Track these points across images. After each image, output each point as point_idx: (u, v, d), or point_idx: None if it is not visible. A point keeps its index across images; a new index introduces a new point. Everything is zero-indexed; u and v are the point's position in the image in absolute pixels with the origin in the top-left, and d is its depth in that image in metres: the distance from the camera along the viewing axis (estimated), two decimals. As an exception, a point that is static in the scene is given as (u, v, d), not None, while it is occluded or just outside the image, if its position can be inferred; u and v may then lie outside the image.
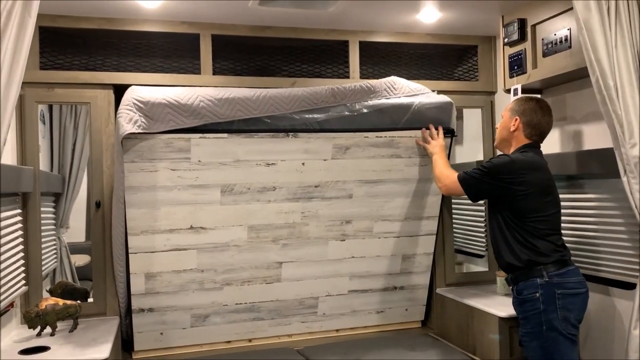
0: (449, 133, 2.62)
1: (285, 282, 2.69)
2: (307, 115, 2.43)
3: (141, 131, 2.22)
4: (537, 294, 2.09)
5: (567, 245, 2.22)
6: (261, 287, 2.66)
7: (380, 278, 2.84)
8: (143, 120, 2.22)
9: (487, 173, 2.15)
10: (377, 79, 2.72)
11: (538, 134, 2.21)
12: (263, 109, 2.35)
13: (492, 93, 3.12)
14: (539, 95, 2.62)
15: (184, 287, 2.55)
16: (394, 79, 2.60)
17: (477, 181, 2.20)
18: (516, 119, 2.20)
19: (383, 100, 2.52)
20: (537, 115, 2.20)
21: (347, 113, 2.45)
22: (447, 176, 2.35)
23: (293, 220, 2.59)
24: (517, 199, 2.11)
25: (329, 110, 2.44)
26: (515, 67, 2.57)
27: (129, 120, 2.21)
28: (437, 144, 2.53)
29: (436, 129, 2.57)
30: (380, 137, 2.54)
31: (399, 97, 2.54)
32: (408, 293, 2.93)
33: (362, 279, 2.82)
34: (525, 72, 2.52)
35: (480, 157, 3.10)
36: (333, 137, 2.48)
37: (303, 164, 2.49)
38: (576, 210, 2.52)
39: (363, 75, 2.90)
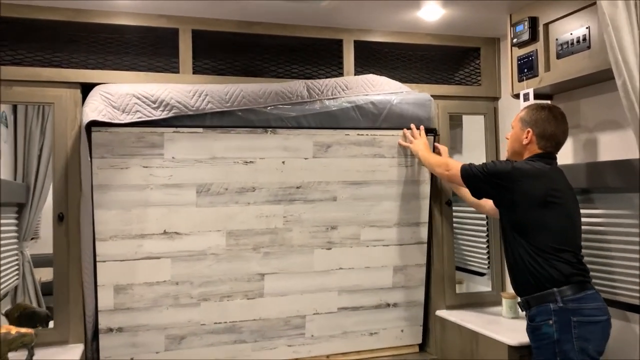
0: (431, 132, 2.59)
1: (268, 297, 2.50)
2: (282, 111, 2.40)
3: (107, 120, 2.14)
4: (551, 321, 1.89)
5: (581, 266, 2.00)
6: (242, 304, 2.47)
7: (371, 293, 2.67)
8: (109, 110, 2.16)
9: (486, 173, 2.05)
10: None
11: (553, 145, 2.06)
12: (235, 101, 2.30)
13: (496, 99, 2.95)
14: (550, 102, 2.41)
15: (157, 302, 2.36)
16: (372, 77, 2.57)
17: (476, 178, 2.09)
18: (528, 131, 2.06)
19: (360, 97, 2.50)
20: (551, 125, 2.04)
21: (322, 109, 2.44)
22: (447, 163, 2.29)
23: (275, 225, 2.45)
24: (514, 208, 1.99)
25: (304, 105, 2.42)
26: (525, 70, 2.39)
27: (93, 109, 2.13)
28: (420, 141, 2.51)
29: (417, 128, 2.55)
30: (362, 134, 2.51)
31: (378, 94, 2.53)
32: (403, 311, 2.74)
33: (352, 295, 2.64)
34: (537, 75, 2.34)
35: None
36: (313, 134, 2.43)
37: (283, 162, 2.41)
38: (590, 227, 2.30)
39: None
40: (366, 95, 2.53)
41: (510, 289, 2.69)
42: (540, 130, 2.05)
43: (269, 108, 2.38)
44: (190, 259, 2.36)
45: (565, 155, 2.38)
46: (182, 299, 2.38)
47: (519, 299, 2.11)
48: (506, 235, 2.07)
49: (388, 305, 2.71)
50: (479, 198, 2.21)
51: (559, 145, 2.08)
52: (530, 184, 1.96)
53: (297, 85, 2.44)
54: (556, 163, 2.09)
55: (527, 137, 2.07)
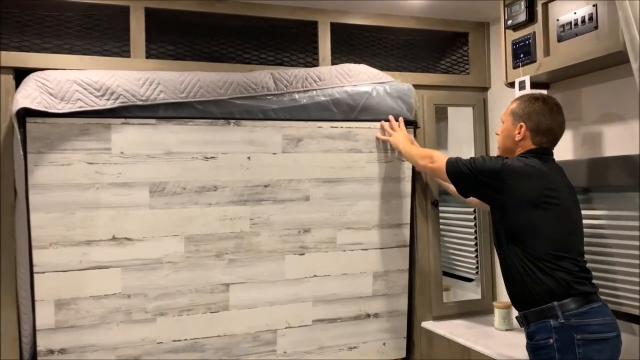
0: (410, 125, 2.48)
1: (234, 310, 2.28)
2: (248, 102, 2.21)
3: (41, 109, 1.91)
4: (551, 340, 1.67)
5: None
6: (205, 318, 2.24)
7: (349, 303, 2.47)
8: (45, 97, 1.93)
9: (473, 170, 1.87)
10: None
11: (550, 140, 1.86)
12: (191, 92, 2.12)
13: (485, 89, 2.75)
14: (544, 92, 2.22)
15: (106, 319, 2.11)
16: (348, 67, 2.41)
17: (462, 174, 1.90)
18: (521, 126, 1.86)
19: (335, 89, 2.35)
20: (546, 118, 1.84)
21: (291, 103, 2.27)
22: (431, 155, 2.10)
23: (240, 228, 2.25)
24: (504, 211, 1.81)
25: (271, 98, 2.25)
26: (522, 55, 2.17)
27: (26, 96, 1.90)
28: (400, 134, 2.36)
29: (396, 120, 2.40)
30: (336, 127, 2.36)
31: (355, 85, 2.37)
32: (385, 322, 2.53)
33: (329, 305, 2.44)
34: (535, 61, 2.10)
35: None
36: (282, 126, 2.28)
37: (249, 158, 2.24)
38: (591, 229, 2.08)
39: (335, 64, 2.48)
40: (342, 87, 2.35)
41: (502, 298, 2.51)
42: (534, 124, 1.84)
43: (234, 99, 2.18)
44: (143, 268, 2.14)
45: (564, 151, 2.17)
46: (135, 314, 2.15)
47: (513, 310, 1.90)
48: (499, 242, 1.86)
49: (368, 315, 2.51)
50: (466, 197, 2.01)
51: (555, 139, 1.88)
52: (521, 183, 1.76)
53: (263, 76, 2.24)
54: (553, 160, 1.88)
55: (519, 133, 1.86)
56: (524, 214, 1.74)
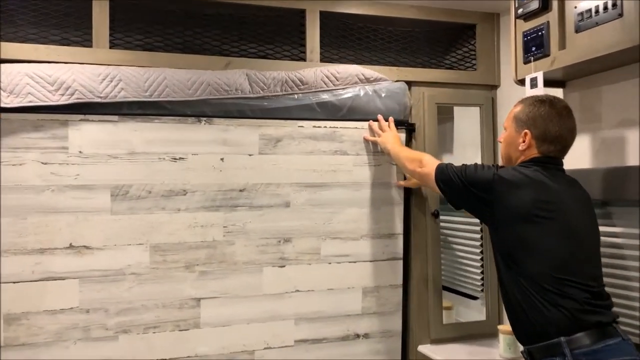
0: (402, 126, 2.31)
1: (206, 328, 2.10)
2: (223, 101, 2.06)
3: None
4: None
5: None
6: (172, 337, 2.06)
7: (336, 322, 2.27)
8: None
9: (463, 179, 1.68)
10: (343, 64, 2.28)
11: (559, 148, 1.64)
12: (156, 91, 1.97)
13: (494, 87, 2.51)
14: (559, 91, 2.00)
15: (62, 336, 1.94)
16: (335, 69, 2.23)
17: (452, 184, 1.72)
18: (526, 133, 1.65)
19: (319, 93, 2.19)
20: (554, 124, 1.62)
21: (270, 106, 2.13)
22: (421, 159, 1.93)
23: (213, 237, 2.08)
24: (496, 228, 1.62)
25: (246, 101, 2.10)
26: (534, 49, 1.93)
27: None
28: (389, 134, 2.19)
29: (386, 120, 2.24)
30: (319, 127, 2.22)
31: (344, 88, 2.22)
32: (376, 343, 2.32)
33: (313, 324, 2.24)
34: (548, 55, 1.87)
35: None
36: (259, 125, 2.14)
37: (222, 159, 2.09)
38: (609, 248, 1.83)
39: (325, 59, 2.29)
40: (328, 90, 2.19)
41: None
42: (540, 131, 1.63)
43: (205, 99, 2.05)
44: (104, 280, 1.97)
45: (580, 159, 1.93)
46: (95, 331, 1.97)
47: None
48: (496, 264, 1.64)
49: (357, 336, 2.30)
50: (457, 208, 1.80)
51: (565, 148, 1.66)
52: (511, 194, 1.56)
53: (237, 76, 2.07)
54: (562, 170, 1.65)
55: (524, 141, 1.65)
56: (514, 230, 1.54)
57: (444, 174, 1.74)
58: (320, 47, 2.26)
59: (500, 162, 1.84)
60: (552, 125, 1.61)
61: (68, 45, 1.98)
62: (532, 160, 1.62)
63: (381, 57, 2.37)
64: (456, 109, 2.67)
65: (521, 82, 1.99)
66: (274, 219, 2.15)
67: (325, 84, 2.17)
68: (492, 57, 2.49)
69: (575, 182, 1.64)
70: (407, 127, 2.32)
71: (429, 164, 1.84)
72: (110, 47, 2.01)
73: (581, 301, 1.45)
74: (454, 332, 2.39)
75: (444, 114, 2.62)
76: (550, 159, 1.62)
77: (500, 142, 1.78)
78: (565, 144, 1.64)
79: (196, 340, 2.08)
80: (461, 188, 1.66)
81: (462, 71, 2.48)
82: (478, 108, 2.49)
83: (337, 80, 2.19)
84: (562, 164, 1.65)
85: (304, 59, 2.24)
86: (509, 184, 1.56)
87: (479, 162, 1.93)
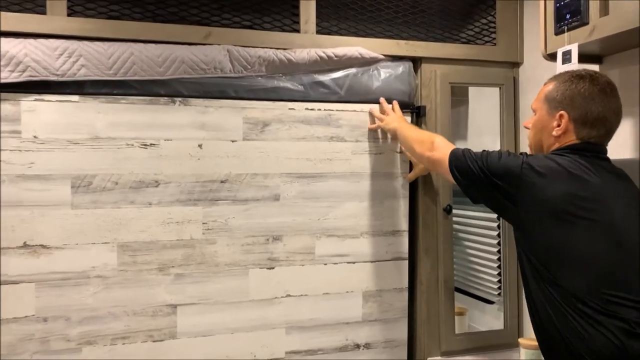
0: (407, 109, 2.12)
1: (183, 338, 1.91)
2: (201, 80, 1.87)
3: None
4: None
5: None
6: (145, 348, 1.88)
7: (333, 330, 2.08)
8: None
9: (483, 168, 1.45)
10: (342, 36, 2.05)
11: (602, 133, 1.42)
12: (121, 69, 1.78)
13: (517, 65, 2.27)
14: (594, 68, 1.75)
15: (15, 349, 1.76)
16: (332, 50, 2.03)
17: (470, 173, 1.49)
18: (561, 115, 1.43)
19: (310, 76, 2.02)
20: (596, 103, 1.40)
21: (254, 86, 1.94)
22: (432, 141, 1.70)
23: (190, 235, 1.90)
24: (522, 228, 1.40)
25: (230, 79, 1.91)
26: (568, 16, 1.71)
27: None
28: (393, 117, 1.98)
29: (390, 103, 2.06)
30: (312, 109, 2.03)
31: (338, 71, 2.04)
32: (379, 354, 2.13)
33: (306, 333, 2.05)
34: (587, 23, 1.64)
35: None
36: (243, 106, 1.95)
37: (200, 146, 1.91)
38: None
39: (321, 31, 2.05)
40: (321, 70, 2.01)
41: (531, 332, 2.00)
42: (579, 112, 1.41)
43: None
44: (64, 284, 1.78)
45: (622, 147, 1.70)
46: (55, 342, 1.79)
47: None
48: (523, 273, 1.41)
49: (357, 346, 2.11)
50: (474, 202, 1.57)
51: (610, 132, 1.45)
52: (540, 188, 1.34)
53: (216, 53, 1.87)
54: (606, 159, 1.43)
55: (559, 125, 1.43)
56: (546, 232, 1.32)
57: (460, 161, 1.50)
58: (317, 17, 2.02)
59: (529, 151, 1.60)
60: (594, 105, 1.38)
61: (18, 11, 1.73)
62: (569, 147, 1.40)
63: (387, 30, 2.13)
64: (471, 90, 2.46)
65: (551, 56, 1.76)
66: (261, 214, 1.98)
67: (319, 65, 1.98)
68: (515, 30, 2.25)
69: (623, 174, 1.40)
70: (413, 110, 2.12)
71: (442, 147, 1.61)
72: (68, 15, 1.76)
73: (631, 322, 1.20)
74: (467, 342, 2.17)
75: (458, 96, 2.41)
76: (590, 145, 1.39)
77: (527, 127, 1.55)
78: (609, 127, 1.41)
79: (172, 353, 1.90)
80: (481, 178, 1.43)
81: (480, 46, 2.23)
82: (497, 89, 2.26)
83: (334, 62, 1.99)
84: (605, 152, 1.42)
85: (297, 30, 1.99)
86: (537, 173, 1.32)
87: (495, 150, 1.71)
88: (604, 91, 1.40)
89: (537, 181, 1.33)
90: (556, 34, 1.73)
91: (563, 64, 1.67)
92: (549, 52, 1.77)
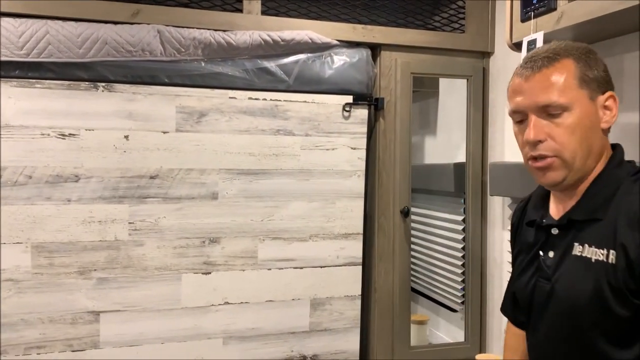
0: (364, 101, 1.99)
1: (107, 348, 1.77)
2: (128, 63, 1.71)
3: None
4: None
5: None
6: (63, 359, 1.75)
7: (277, 341, 1.95)
8: None
9: None
10: (291, 17, 1.91)
11: None
12: (34, 49, 1.60)
13: (487, 54, 2.12)
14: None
15: None
16: (279, 34, 1.89)
17: None
18: (609, 97, 1.06)
19: (253, 61, 1.87)
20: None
21: (190, 71, 1.78)
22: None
23: (115, 235, 1.77)
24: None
25: (162, 63, 1.75)
26: (535, 1, 1.57)
27: None
28: None
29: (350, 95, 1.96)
30: (257, 99, 1.87)
31: (286, 56, 1.90)
32: None
33: (247, 343, 1.91)
34: (554, 9, 1.50)
35: (462, 156, 2.12)
36: (176, 94, 1.79)
37: (126, 137, 1.76)
38: None
39: (267, 12, 1.90)
40: (266, 56, 1.85)
41: (493, 347, 1.89)
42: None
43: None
44: None
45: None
46: None
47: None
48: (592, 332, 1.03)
49: (304, 358, 1.98)
50: None
51: None
52: None
53: (145, 33, 1.69)
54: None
55: (610, 109, 1.07)
56: None
57: None
58: (264, 2, 1.85)
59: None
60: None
61: None
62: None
63: (342, 12, 1.96)
64: (442, 81, 2.32)
65: (516, 46, 1.61)
66: (196, 214, 1.84)
67: (264, 50, 1.83)
68: (486, 16, 2.10)
69: None
70: (370, 102, 1.98)
71: None
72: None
73: None
74: (423, 355, 2.03)
75: (428, 87, 2.29)
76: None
77: (543, 139, 1.03)
78: None
79: None
80: None
81: (447, 33, 2.08)
82: (465, 80, 2.10)
83: (280, 47, 1.84)
84: None
85: (239, 10, 1.83)
86: None
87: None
88: None
89: None
90: (522, 20, 1.58)
91: (528, 52, 1.52)
92: (514, 41, 1.61)
